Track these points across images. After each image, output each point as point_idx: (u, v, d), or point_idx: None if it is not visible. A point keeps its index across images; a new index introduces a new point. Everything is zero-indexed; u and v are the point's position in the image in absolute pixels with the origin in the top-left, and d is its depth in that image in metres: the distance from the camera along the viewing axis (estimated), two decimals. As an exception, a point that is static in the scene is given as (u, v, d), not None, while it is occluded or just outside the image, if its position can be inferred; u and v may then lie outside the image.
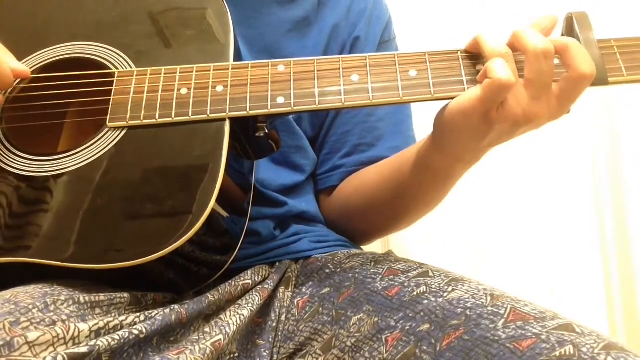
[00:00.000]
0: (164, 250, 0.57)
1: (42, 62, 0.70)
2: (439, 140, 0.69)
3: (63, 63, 0.70)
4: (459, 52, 0.64)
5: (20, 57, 0.67)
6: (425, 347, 0.55)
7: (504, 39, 0.61)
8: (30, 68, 0.69)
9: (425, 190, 0.79)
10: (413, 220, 0.88)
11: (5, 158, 0.65)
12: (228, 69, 0.66)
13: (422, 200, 0.82)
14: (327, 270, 0.75)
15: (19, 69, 0.64)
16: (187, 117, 0.63)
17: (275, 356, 0.67)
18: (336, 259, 0.77)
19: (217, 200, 0.60)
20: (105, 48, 0.70)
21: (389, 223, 0.89)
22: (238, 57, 0.70)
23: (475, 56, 0.64)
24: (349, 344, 0.61)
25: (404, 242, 1.23)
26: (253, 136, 0.66)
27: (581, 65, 0.58)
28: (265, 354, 0.66)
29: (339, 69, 0.65)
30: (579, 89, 0.59)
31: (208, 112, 0.63)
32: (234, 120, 0.64)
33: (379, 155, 0.87)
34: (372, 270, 0.70)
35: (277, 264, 0.79)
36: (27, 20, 0.74)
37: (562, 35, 0.65)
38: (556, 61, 0.60)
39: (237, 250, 0.70)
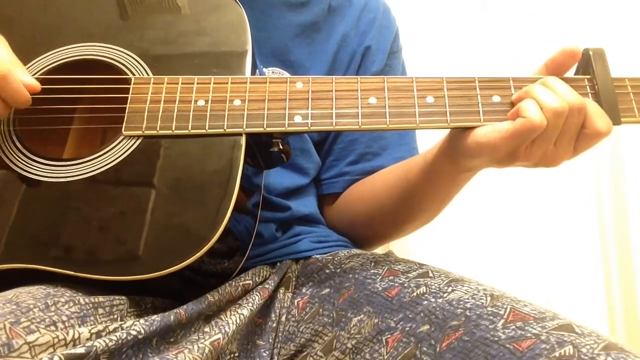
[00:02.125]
0: (177, 266, 0.58)
1: (55, 62, 0.69)
2: (456, 158, 0.69)
3: (77, 64, 0.69)
4: (476, 80, 0.65)
5: (34, 56, 0.67)
6: (425, 348, 0.55)
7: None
8: (44, 68, 0.68)
9: (431, 196, 0.80)
10: (417, 226, 0.89)
11: (19, 161, 0.64)
12: (246, 83, 0.65)
13: (427, 206, 0.83)
14: (327, 271, 0.76)
15: (28, 82, 0.63)
16: (204, 130, 0.63)
17: (276, 357, 0.68)
18: (336, 259, 0.78)
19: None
20: (120, 51, 0.69)
21: (394, 230, 0.90)
22: (252, 64, 0.70)
23: (491, 86, 0.64)
24: (349, 345, 0.62)
25: (404, 242, 1.24)
26: (267, 151, 0.67)
27: (598, 124, 0.60)
28: (265, 354, 0.67)
29: (357, 90, 0.65)
30: (594, 142, 0.62)
31: (225, 127, 0.63)
32: (250, 135, 0.64)
33: (384, 164, 0.88)
34: (372, 271, 0.71)
35: (278, 264, 0.79)
36: (42, 18, 0.73)
37: (577, 70, 0.66)
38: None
39: (245, 256, 0.70)
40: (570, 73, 0.66)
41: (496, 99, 0.63)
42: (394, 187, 0.82)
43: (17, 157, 0.65)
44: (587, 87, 0.64)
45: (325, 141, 0.91)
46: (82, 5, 0.73)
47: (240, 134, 0.63)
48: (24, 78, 0.63)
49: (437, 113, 0.63)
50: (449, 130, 0.68)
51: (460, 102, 0.64)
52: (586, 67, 0.65)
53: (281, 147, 0.66)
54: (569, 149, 0.62)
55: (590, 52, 0.64)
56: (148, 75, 0.67)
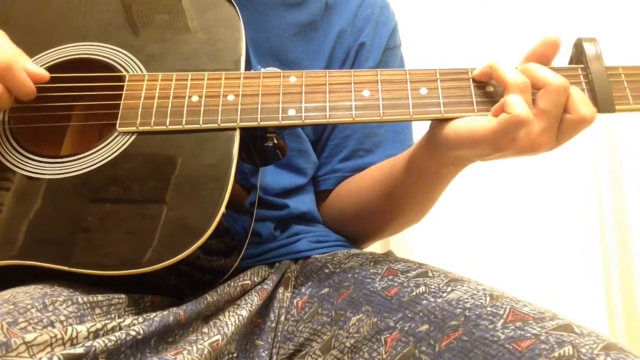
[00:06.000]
0: (171, 260, 0.58)
1: (50, 61, 0.69)
2: (436, 150, 0.68)
3: (72, 63, 0.69)
4: (469, 72, 0.65)
5: (29, 55, 0.67)
6: (424, 348, 0.55)
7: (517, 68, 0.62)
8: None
9: (415, 194, 0.79)
10: (404, 226, 0.89)
11: (14, 158, 0.65)
12: (239, 78, 0.66)
13: (412, 204, 0.83)
14: (327, 270, 0.75)
15: (36, 72, 0.64)
16: (198, 126, 0.63)
17: (275, 357, 0.67)
18: (335, 259, 0.78)
19: (225, 207, 0.60)
20: (115, 50, 0.69)
21: (381, 228, 0.89)
22: (246, 61, 0.70)
23: None
24: (348, 344, 0.62)
25: (404, 242, 1.24)
26: (261, 145, 0.66)
27: (581, 109, 0.59)
28: (264, 354, 0.66)
29: (351, 83, 0.65)
30: (577, 130, 0.61)
31: (219, 122, 0.63)
32: (244, 130, 0.64)
33: (376, 162, 0.87)
34: (371, 271, 0.70)
35: (277, 264, 0.79)
36: (37, 19, 0.73)
37: (571, 60, 0.66)
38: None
39: (242, 254, 0.70)
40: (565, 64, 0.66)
41: (490, 89, 0.63)
42: (378, 183, 0.82)
43: (11, 155, 0.65)
44: (581, 76, 0.63)
45: (320, 139, 0.91)
46: (77, 5, 0.74)
47: (234, 129, 0.63)
48: (31, 67, 0.63)
49: (431, 104, 0.63)
50: (435, 129, 0.66)
51: (454, 92, 0.63)
52: (579, 56, 0.65)
53: (276, 141, 0.66)
54: (551, 135, 0.60)
55: (583, 42, 0.64)
56: (143, 73, 0.67)
